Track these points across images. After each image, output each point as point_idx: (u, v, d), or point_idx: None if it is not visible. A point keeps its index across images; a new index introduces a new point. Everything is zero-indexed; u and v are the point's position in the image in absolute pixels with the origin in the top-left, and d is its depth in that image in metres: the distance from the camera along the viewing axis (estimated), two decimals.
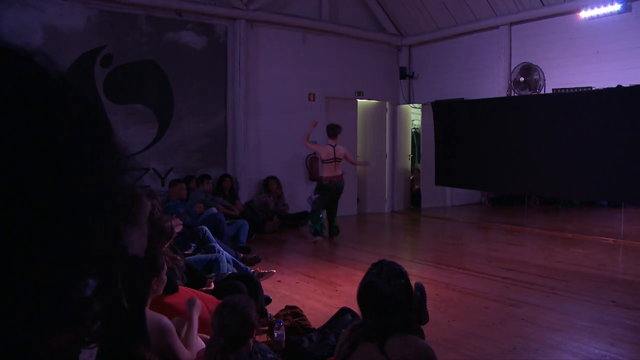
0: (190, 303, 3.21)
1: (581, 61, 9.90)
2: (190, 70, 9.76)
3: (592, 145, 8.50)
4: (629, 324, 4.63)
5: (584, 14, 9.67)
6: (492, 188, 11.89)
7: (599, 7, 9.44)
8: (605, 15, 9.50)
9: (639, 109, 8.01)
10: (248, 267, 6.28)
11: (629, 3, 9.28)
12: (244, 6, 10.19)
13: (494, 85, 11.12)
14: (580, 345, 4.21)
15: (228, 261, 5.94)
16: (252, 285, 4.66)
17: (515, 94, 10.62)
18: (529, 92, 10.43)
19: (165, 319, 2.76)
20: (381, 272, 2.32)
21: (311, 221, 8.48)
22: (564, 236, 9.07)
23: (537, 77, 10.40)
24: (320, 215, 8.52)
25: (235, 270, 5.79)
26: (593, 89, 9.40)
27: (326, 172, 8.59)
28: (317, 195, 8.54)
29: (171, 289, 3.49)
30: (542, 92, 10.35)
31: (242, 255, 7.02)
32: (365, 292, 2.34)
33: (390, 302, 2.25)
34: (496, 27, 11.12)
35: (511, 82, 10.73)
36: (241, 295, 3.66)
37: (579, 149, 8.67)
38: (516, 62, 10.80)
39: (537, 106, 9.48)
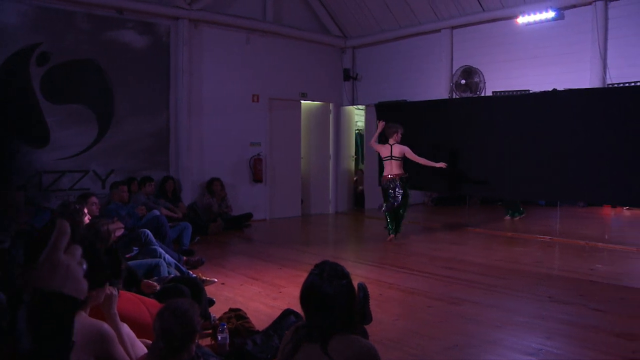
0: (106, 300, 2.95)
1: (519, 65, 10.22)
2: (132, 70, 9.56)
3: (530, 146, 8.78)
4: (563, 318, 4.80)
5: (522, 20, 9.99)
6: (435, 189, 12.11)
7: (534, 13, 9.78)
8: (541, 22, 9.84)
9: (573, 111, 8.32)
10: (190, 271, 6.19)
11: (562, 11, 9.64)
12: (187, 6, 10.06)
13: (436, 87, 11.35)
14: (518, 340, 4.34)
15: (170, 264, 5.84)
16: (195, 288, 4.58)
17: (457, 96, 10.86)
18: (470, 94, 10.69)
19: (106, 326, 2.67)
20: (323, 272, 2.33)
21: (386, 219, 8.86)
22: (504, 235, 9.33)
23: (478, 79, 10.67)
24: (392, 214, 8.77)
25: (178, 274, 5.69)
26: (531, 91, 9.71)
27: (384, 171, 8.75)
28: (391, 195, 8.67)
29: None
30: (483, 94, 10.64)
31: (185, 258, 6.92)
32: (307, 293, 2.34)
33: (332, 303, 2.26)
34: (438, 30, 11.36)
35: (453, 84, 10.97)
36: (184, 298, 3.59)
37: (517, 149, 8.93)
38: (457, 64, 11.06)
39: (478, 108, 9.74)
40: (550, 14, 9.61)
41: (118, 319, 2.93)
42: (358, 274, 6.23)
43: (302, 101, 12.13)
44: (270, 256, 7.71)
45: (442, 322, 4.77)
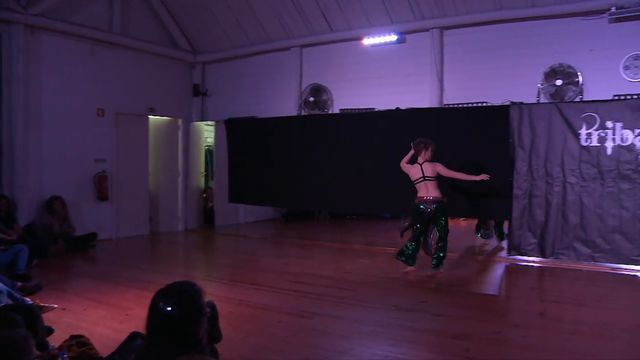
0: None
1: (366, 84, 10.66)
2: None
3: (376, 162, 9.17)
4: (407, 325, 5.01)
5: (367, 42, 10.45)
6: (285, 204, 12.24)
7: (379, 36, 10.28)
8: (385, 44, 10.35)
9: (415, 129, 8.82)
10: (25, 298, 5.65)
11: (403, 35, 10.23)
12: (22, 9, 9.25)
13: (286, 104, 11.50)
14: (365, 349, 4.44)
15: (1, 292, 5.28)
16: (30, 317, 4.14)
17: (305, 113, 11.07)
18: (318, 112, 10.95)
19: None
20: (166, 292, 2.24)
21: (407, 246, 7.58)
22: (352, 248, 9.60)
23: (326, 97, 10.96)
24: (413, 243, 7.51)
25: (10, 302, 5.16)
26: (375, 109, 10.16)
27: (419, 193, 7.46)
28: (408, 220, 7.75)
29: None
30: (330, 111, 10.94)
31: (20, 284, 6.28)
32: (149, 315, 2.23)
33: (174, 323, 2.17)
34: (288, 48, 11.54)
35: (302, 101, 11.18)
36: (16, 329, 3.23)
37: (364, 165, 9.29)
38: (307, 82, 11.29)
39: (326, 125, 10.01)
40: (393, 37, 10.16)
41: None
42: (208, 291, 5.98)
43: (150, 116, 11.68)
44: (116, 277, 7.28)
45: (293, 336, 4.75)
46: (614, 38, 8.76)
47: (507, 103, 8.43)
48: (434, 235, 7.73)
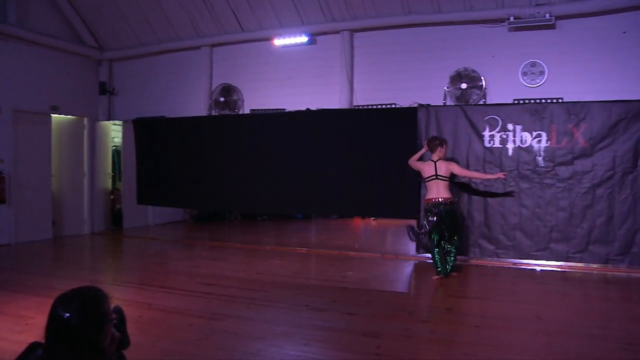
0: None
1: (276, 85, 10.67)
2: None
3: (286, 162, 9.21)
4: (319, 325, 5.07)
5: (278, 42, 10.46)
6: (196, 205, 12.05)
7: (289, 37, 10.32)
8: (295, 45, 10.41)
9: (325, 130, 8.95)
10: None
11: (314, 37, 10.32)
12: None
13: (196, 103, 11.32)
14: (278, 349, 4.46)
15: None
16: None
17: (216, 113, 10.95)
18: (229, 112, 10.86)
19: None
20: (67, 298, 2.13)
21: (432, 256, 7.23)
22: (263, 249, 9.59)
23: (237, 97, 10.89)
24: (436, 249, 7.13)
25: None
26: (286, 110, 10.20)
27: (428, 193, 7.25)
28: (425, 222, 7.20)
29: None
30: (241, 112, 10.88)
31: None
32: (48, 322, 2.12)
33: (75, 331, 2.07)
34: (198, 47, 11.36)
35: (212, 101, 11.04)
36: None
37: (275, 166, 9.31)
38: (217, 82, 11.17)
39: (237, 125, 9.94)
40: (304, 39, 10.23)
41: None
42: (115, 296, 5.84)
43: (53, 115, 11.13)
44: (15, 285, 6.89)
45: (204, 339, 4.70)
46: (513, 46, 9.26)
47: (415, 105, 8.68)
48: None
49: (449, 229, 7.09)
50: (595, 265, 7.59)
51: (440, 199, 7.02)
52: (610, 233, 7.54)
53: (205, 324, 5.17)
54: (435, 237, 7.08)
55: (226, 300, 6.05)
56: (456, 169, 7.28)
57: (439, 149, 7.28)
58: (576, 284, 6.88)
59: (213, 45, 11.27)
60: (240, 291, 6.43)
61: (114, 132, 13.08)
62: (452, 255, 7.14)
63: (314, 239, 9.81)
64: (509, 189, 7.97)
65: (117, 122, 12.69)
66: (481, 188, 8.12)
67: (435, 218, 6.97)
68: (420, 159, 7.75)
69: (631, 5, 9.48)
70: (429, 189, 7.20)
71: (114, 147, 13.15)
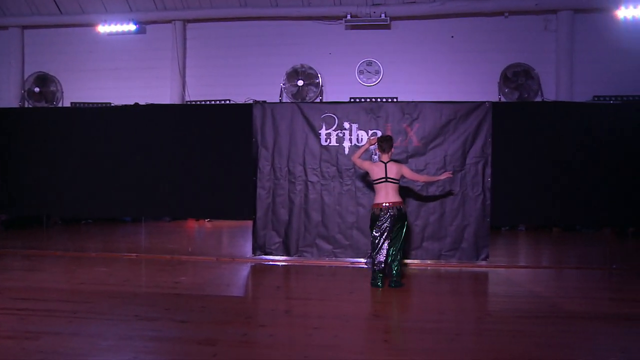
0: None
1: (102, 76, 10.14)
2: None
3: (114, 162, 8.76)
4: (151, 335, 4.85)
5: (103, 29, 9.93)
6: (6, 210, 11.03)
7: (116, 24, 9.82)
8: (123, 34, 9.96)
9: (156, 126, 8.64)
10: None
11: (143, 25, 9.93)
12: None
13: (5, 93, 10.37)
14: None
15: None
16: None
17: (30, 105, 10.11)
18: (46, 104, 10.09)
19: None
20: None
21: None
22: (88, 256, 9.05)
23: (55, 88, 10.16)
24: (382, 257, 6.70)
25: None
26: (113, 104, 9.70)
27: (376, 197, 6.82)
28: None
29: None
30: (60, 105, 10.16)
31: None
32: None
33: None
34: (6, 27, 10.39)
35: (25, 92, 10.18)
36: None
37: (103, 166, 8.83)
38: (30, 70, 10.34)
39: (55, 120, 9.25)
40: (132, 27, 9.81)
41: None
42: None
43: None
44: None
45: None
46: (350, 44, 9.64)
47: (251, 101, 8.69)
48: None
49: (398, 236, 6.84)
50: (429, 262, 8.15)
51: (388, 204, 6.75)
52: (442, 229, 8.14)
53: (16, 345, 4.71)
54: (383, 244, 6.77)
55: (43, 315, 5.58)
56: (407, 172, 7.06)
57: (392, 150, 7.01)
58: (412, 280, 7.30)
59: (25, 27, 10.39)
60: (61, 304, 5.98)
61: None
62: (396, 263, 6.84)
63: (145, 243, 9.43)
64: (345, 188, 8.26)
65: None
66: (318, 188, 8.32)
67: (385, 224, 6.73)
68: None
69: (459, 11, 10.32)
70: (377, 193, 6.91)
71: None
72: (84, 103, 10.02)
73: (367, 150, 7.30)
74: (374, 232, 6.80)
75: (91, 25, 9.99)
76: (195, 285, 7.03)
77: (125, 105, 9.31)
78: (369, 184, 8.14)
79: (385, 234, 6.73)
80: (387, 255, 6.77)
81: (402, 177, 7.01)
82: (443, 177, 7.39)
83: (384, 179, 6.80)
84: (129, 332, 4.97)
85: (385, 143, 6.92)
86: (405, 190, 8.08)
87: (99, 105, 9.82)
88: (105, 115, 9.19)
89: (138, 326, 5.18)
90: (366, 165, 7.11)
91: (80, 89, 10.13)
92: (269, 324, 5.34)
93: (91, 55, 10.17)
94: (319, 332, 4.99)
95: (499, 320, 5.39)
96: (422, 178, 7.55)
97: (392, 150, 7.01)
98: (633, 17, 12.14)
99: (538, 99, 12.19)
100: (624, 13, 12.15)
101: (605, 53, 12.12)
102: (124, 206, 9.09)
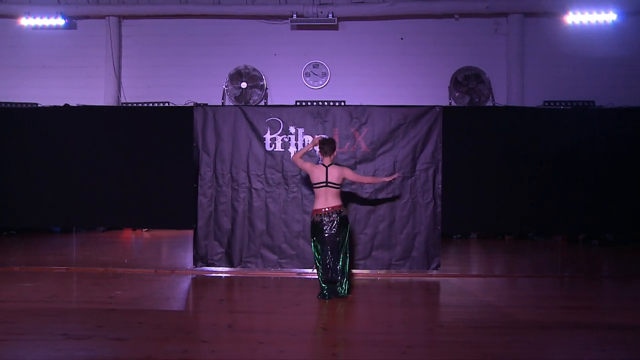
0: None
1: (27, 74, 9.74)
2: None
3: (42, 167, 8.42)
4: (81, 356, 4.58)
5: (27, 22, 9.53)
6: None
7: (42, 17, 9.46)
8: (50, 28, 9.57)
9: (88, 129, 8.33)
10: None
11: (73, 20, 9.58)
12: None
13: None
14: None
15: None
16: None
17: None
18: None
19: None
20: None
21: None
22: (10, 270, 8.60)
23: None
24: (328, 266, 6.53)
25: None
26: (40, 105, 9.32)
27: (316, 202, 6.66)
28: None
29: None
30: None
31: None
32: None
33: None
34: None
35: None
36: None
37: (31, 172, 8.48)
38: None
39: None
40: (60, 21, 9.45)
41: None
42: None
43: None
44: None
45: None
46: (296, 45, 9.54)
47: (191, 104, 8.49)
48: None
49: (342, 242, 6.65)
50: (379, 271, 8.07)
51: (328, 209, 6.59)
52: (392, 238, 8.09)
53: None
54: (328, 254, 6.59)
55: None
56: (350, 175, 6.91)
57: (334, 152, 6.77)
58: (361, 291, 7.20)
59: None
60: None
61: None
62: (344, 271, 6.64)
63: (76, 255, 9.04)
64: (291, 195, 8.14)
65: None
66: (262, 195, 8.18)
67: (328, 232, 6.56)
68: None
69: (408, 13, 10.37)
70: (317, 198, 6.73)
71: None
72: (6, 103, 9.55)
73: (310, 151, 7.26)
74: (316, 243, 6.66)
75: (13, 16, 9.52)
76: (132, 299, 6.74)
77: (54, 107, 8.92)
78: None
79: (330, 242, 6.57)
80: (334, 263, 6.58)
81: (345, 180, 6.93)
82: (391, 178, 7.30)
83: (324, 183, 6.64)
84: (55, 354, 4.66)
85: (327, 145, 6.72)
86: (353, 197, 8.01)
87: (24, 105, 9.37)
88: (31, 117, 8.76)
89: (66, 346, 4.87)
90: (307, 166, 6.92)
91: (5, 87, 9.67)
92: (211, 339, 5.15)
93: (13, 50, 9.73)
94: (265, 347, 4.83)
95: (451, 332, 5.35)
96: (367, 180, 7.47)
97: (335, 154, 6.81)
98: (580, 22, 12.52)
99: (489, 103, 12.38)
100: (572, 18, 12.54)
101: (554, 58, 12.43)
102: (52, 215, 8.69)
